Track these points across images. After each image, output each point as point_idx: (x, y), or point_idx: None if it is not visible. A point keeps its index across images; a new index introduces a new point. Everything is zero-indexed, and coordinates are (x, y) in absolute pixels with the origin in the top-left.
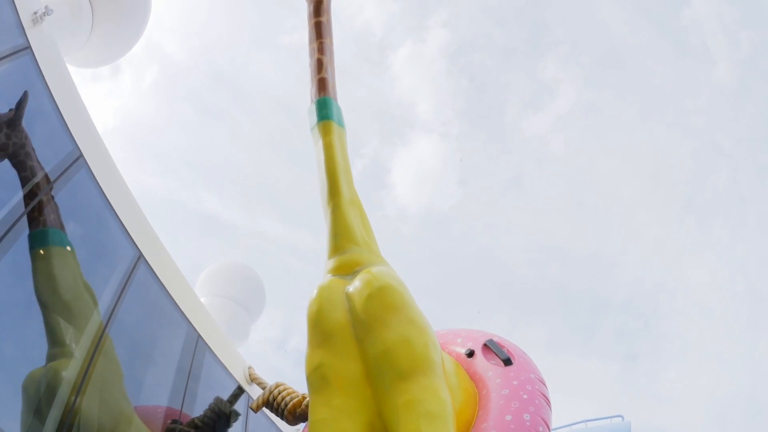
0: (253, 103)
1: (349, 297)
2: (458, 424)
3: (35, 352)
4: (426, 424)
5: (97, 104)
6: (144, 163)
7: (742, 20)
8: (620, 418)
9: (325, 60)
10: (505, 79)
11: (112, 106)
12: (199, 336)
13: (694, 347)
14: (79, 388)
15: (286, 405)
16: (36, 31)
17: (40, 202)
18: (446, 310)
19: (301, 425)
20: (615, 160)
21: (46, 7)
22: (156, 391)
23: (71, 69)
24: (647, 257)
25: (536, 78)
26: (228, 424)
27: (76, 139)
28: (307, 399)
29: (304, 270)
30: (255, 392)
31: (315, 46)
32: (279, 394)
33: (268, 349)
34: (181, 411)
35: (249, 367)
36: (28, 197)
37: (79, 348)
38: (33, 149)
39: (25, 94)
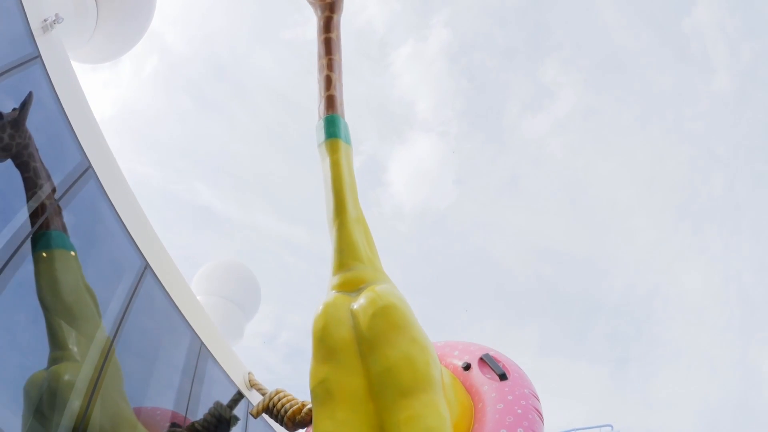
0: (251, 96)
1: (354, 314)
2: None
3: (42, 357)
4: None
5: (96, 93)
6: (140, 153)
7: (743, 30)
8: (609, 428)
9: (334, 77)
10: (505, 80)
11: (111, 96)
12: (202, 344)
13: (685, 353)
14: (90, 395)
15: (285, 412)
16: (46, 39)
17: (43, 204)
18: (439, 309)
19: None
20: (612, 164)
21: (56, 15)
22: (162, 398)
23: (74, 65)
24: (641, 261)
25: (536, 80)
26: (228, 429)
27: (85, 150)
28: (307, 407)
29: (296, 265)
30: (254, 397)
31: (324, 62)
32: (279, 401)
33: (258, 344)
34: (185, 417)
35: (249, 373)
36: (31, 199)
37: (89, 356)
38: (36, 150)
39: (30, 95)
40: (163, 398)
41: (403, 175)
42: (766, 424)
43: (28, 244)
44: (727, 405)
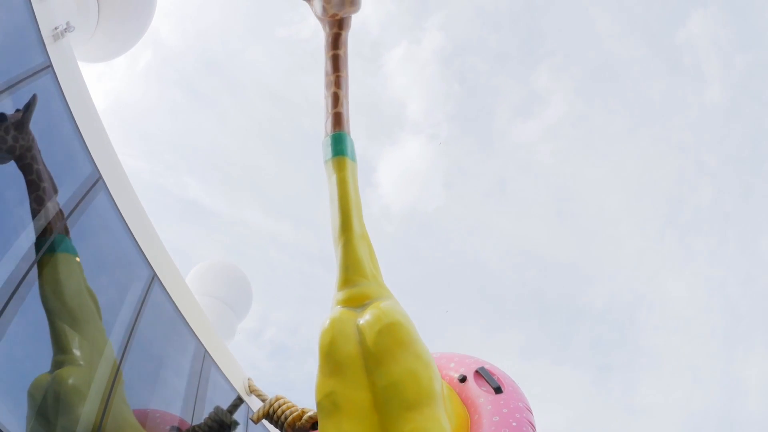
0: (243, 92)
1: (360, 330)
2: None
3: (46, 361)
4: None
5: (91, 86)
6: (129, 145)
7: (737, 43)
8: None
9: (341, 94)
10: (496, 85)
11: (104, 88)
12: (206, 351)
13: (669, 361)
14: (105, 403)
15: (286, 418)
16: (56, 47)
17: (46, 208)
18: (424, 310)
19: None
20: (600, 172)
21: (67, 23)
22: (169, 405)
23: None
24: (627, 269)
25: (528, 86)
26: None
27: (95, 161)
28: (307, 414)
29: (282, 261)
30: (253, 402)
31: (332, 78)
32: (279, 407)
33: (242, 341)
34: (192, 423)
35: (248, 379)
36: (35, 202)
37: (101, 365)
38: (39, 152)
39: (34, 97)
40: (170, 405)
41: (391, 176)
42: None
43: (30, 248)
44: (710, 414)
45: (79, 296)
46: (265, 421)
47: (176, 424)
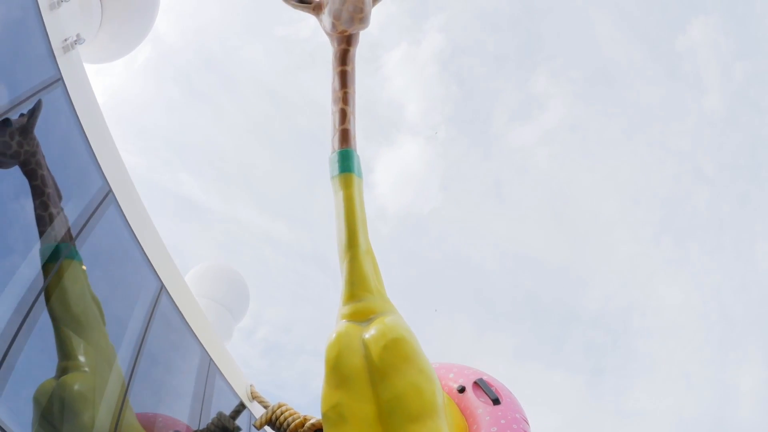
0: (239, 89)
1: (365, 344)
2: None
3: (51, 367)
4: None
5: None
6: (125, 141)
7: (737, 51)
8: None
9: (349, 110)
10: (495, 88)
11: (102, 83)
12: (211, 360)
13: (662, 367)
14: (119, 413)
15: (288, 425)
16: (66, 59)
17: (51, 213)
18: (417, 312)
19: None
20: (596, 176)
21: (77, 35)
22: (177, 412)
23: None
24: (621, 274)
25: (526, 89)
26: None
27: (106, 174)
28: (310, 421)
29: (276, 260)
30: (255, 408)
31: (339, 94)
32: (282, 414)
33: (236, 338)
34: (198, 430)
35: (251, 385)
36: (39, 207)
37: (109, 371)
38: (44, 156)
39: (39, 102)
40: (177, 411)
41: (388, 177)
42: None
43: (35, 253)
44: (702, 420)
45: (84, 302)
46: (267, 428)
47: (182, 430)
